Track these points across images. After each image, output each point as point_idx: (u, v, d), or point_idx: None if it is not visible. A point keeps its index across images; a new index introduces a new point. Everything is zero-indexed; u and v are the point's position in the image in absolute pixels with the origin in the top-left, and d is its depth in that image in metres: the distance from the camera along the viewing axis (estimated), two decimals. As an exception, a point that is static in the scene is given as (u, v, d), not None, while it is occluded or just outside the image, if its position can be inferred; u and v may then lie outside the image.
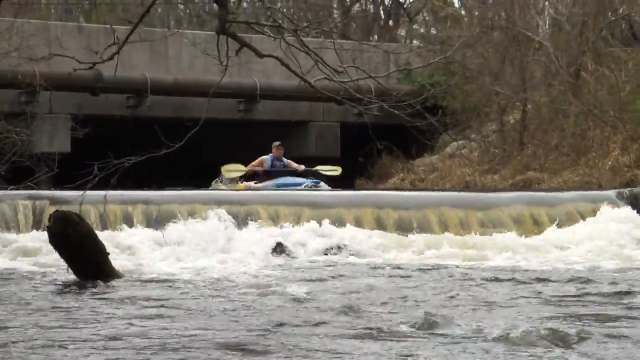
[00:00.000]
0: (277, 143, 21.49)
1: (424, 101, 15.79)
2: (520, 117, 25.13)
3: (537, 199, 16.63)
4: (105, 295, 9.49)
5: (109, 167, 9.43)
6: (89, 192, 10.18)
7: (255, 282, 10.24)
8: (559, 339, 7.13)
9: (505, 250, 13.71)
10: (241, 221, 14.07)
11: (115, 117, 25.06)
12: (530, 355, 6.63)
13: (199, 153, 24.62)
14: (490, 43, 26.52)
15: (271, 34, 10.29)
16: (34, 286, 10.25)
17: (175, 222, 13.82)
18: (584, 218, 15.45)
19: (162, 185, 19.28)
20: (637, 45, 25.85)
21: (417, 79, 27.34)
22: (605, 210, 15.64)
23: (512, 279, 11.00)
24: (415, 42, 35.23)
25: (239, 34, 10.14)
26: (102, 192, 10.80)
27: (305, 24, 18.41)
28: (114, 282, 10.38)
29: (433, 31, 33.77)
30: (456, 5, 32.68)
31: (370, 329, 7.58)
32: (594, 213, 15.64)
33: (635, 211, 15.84)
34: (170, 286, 10.23)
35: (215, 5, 11.06)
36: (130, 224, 13.81)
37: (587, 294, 9.85)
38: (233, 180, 20.98)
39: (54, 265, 11.48)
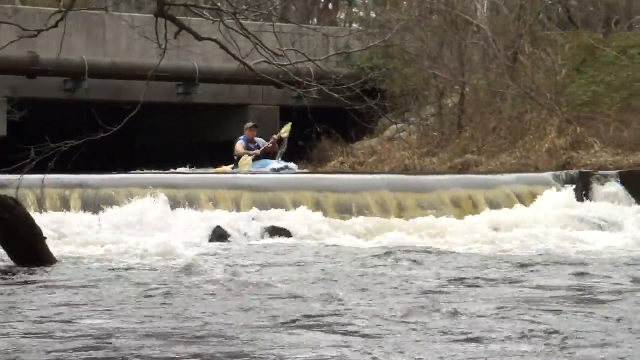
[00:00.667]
0: (249, 124, 21.15)
1: (363, 84, 15.82)
2: (458, 100, 25.28)
3: (475, 182, 16.78)
4: (41, 281, 9.40)
5: (45, 151, 9.35)
6: (25, 176, 10.08)
7: (193, 267, 10.20)
8: (501, 322, 7.22)
9: (443, 232, 13.82)
10: (180, 204, 14.00)
11: (52, 100, 24.81)
12: (468, 340, 6.70)
13: (137, 136, 24.45)
14: (428, 26, 26.63)
15: (210, 17, 10.26)
16: (-32, 272, 10.14)
17: (113, 205, 13.71)
18: (521, 200, 15.62)
19: (101, 168, 19.12)
20: (573, 28, 26.13)
21: (356, 62, 27.39)
22: (541, 192, 15.83)
23: (450, 261, 11.10)
24: (354, 25, 35.28)
25: (177, 17, 10.11)
26: (40, 176, 10.70)
27: (244, 7, 18.33)
28: (50, 267, 10.29)
29: (372, 14, 33.86)
30: (395, -12, 32.75)
31: (309, 316, 7.60)
32: (530, 195, 15.82)
33: (570, 193, 16.05)
34: (106, 270, 10.16)
35: (153, -13, 11.00)
36: (68, 208, 13.69)
37: (522, 275, 9.98)
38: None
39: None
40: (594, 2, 27.58)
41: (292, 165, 20.75)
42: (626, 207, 15.95)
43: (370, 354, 6.18)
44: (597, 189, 16.60)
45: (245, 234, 13.40)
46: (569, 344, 6.50)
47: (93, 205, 13.76)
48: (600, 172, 17.53)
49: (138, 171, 21.12)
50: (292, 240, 13.25)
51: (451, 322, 7.16)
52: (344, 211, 14.71)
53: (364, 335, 6.75)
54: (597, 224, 14.71)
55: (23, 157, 9.39)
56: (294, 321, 7.24)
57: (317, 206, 14.69)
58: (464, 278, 9.69)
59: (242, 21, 10.12)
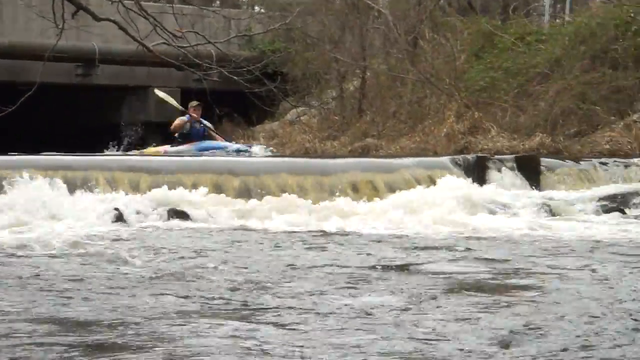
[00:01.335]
0: (194, 103, 19.78)
1: (264, 67, 15.83)
2: (359, 84, 25.44)
3: (375, 165, 16.91)
4: None
5: None
6: None
7: (90, 251, 10.11)
8: (395, 305, 7.31)
9: (342, 215, 13.90)
10: (77, 187, 13.83)
11: (-54, 81, 24.33)
12: (354, 327, 6.77)
13: (36, 118, 24.10)
14: (330, 10, 26.73)
15: (109, -2, 10.16)
16: None
17: (4, 188, 13.46)
18: (419, 184, 15.79)
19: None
20: (472, 14, 26.46)
21: (258, 45, 27.39)
22: (439, 176, 16.03)
23: (350, 245, 11.18)
24: (256, 8, 35.20)
25: (75, -3, 9.98)
26: None
27: (144, -12, 18.17)
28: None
29: (274, -3, 33.78)
30: (297, -28, 32.74)
31: (208, 299, 7.61)
32: (429, 179, 15.99)
33: (468, 177, 16.29)
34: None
35: (50, -34, 10.83)
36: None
37: (419, 259, 10.11)
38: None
39: None
40: (493, -11, 27.96)
41: (256, 148, 19.25)
42: (522, 192, 16.25)
43: (272, 340, 6.21)
44: (494, 173, 16.89)
45: (144, 218, 13.30)
46: (466, 328, 6.63)
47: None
48: (496, 156, 17.82)
49: (36, 153, 20.82)
50: (192, 224, 13.20)
51: (357, 306, 7.24)
52: (244, 194, 14.70)
53: (267, 323, 6.78)
54: (493, 208, 14.94)
55: None
56: (195, 308, 7.24)
57: (217, 189, 14.66)
58: (364, 261, 9.79)
59: (141, 2, 10.04)
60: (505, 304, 7.48)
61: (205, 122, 19.44)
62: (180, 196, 14.09)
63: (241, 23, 25.58)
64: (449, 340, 6.24)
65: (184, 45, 10.30)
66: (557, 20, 27.18)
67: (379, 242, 11.53)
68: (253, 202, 14.37)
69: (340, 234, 12.27)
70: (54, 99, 25.74)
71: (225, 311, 7.06)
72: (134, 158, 16.94)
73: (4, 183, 13.56)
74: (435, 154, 20.19)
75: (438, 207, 14.51)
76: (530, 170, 17.13)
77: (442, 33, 24.77)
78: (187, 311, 7.01)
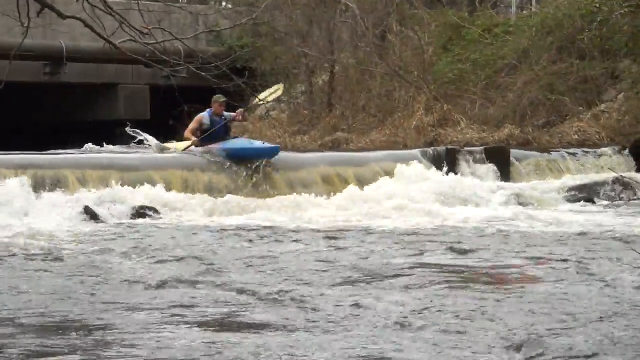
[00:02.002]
0: (222, 99, 17.16)
1: (232, 63, 15.79)
2: (328, 79, 25.44)
3: (345, 159, 16.94)
4: None
5: None
6: None
7: (61, 248, 10.08)
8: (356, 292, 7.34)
9: (313, 209, 13.93)
10: (47, 186, 13.75)
11: None
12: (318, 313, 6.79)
13: (3, 117, 23.96)
14: (297, 5, 26.69)
15: (74, -5, 10.09)
16: None
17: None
18: (390, 177, 15.83)
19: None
20: (440, 7, 26.51)
21: (226, 41, 27.35)
22: (410, 168, 16.07)
23: (321, 238, 11.20)
24: (223, 3, 35.12)
25: (41, -5, 9.91)
26: None
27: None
28: None
29: (242, -7, 33.72)
30: (264, -33, 32.69)
31: (181, 299, 7.60)
32: (399, 172, 16.03)
33: (438, 169, 16.35)
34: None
35: (15, -35, 10.74)
36: None
37: (389, 249, 10.14)
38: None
39: None
40: (460, -19, 28.01)
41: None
42: (491, 183, 16.33)
43: (236, 330, 6.23)
44: (464, 165, 16.95)
45: (114, 215, 13.26)
46: (433, 318, 6.66)
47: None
48: (466, 148, 17.89)
49: (4, 152, 20.68)
50: (162, 220, 13.18)
51: (325, 297, 7.26)
52: (214, 191, 14.69)
53: (232, 314, 6.80)
54: (463, 199, 15.01)
55: None
56: (167, 305, 7.23)
57: (186, 185, 14.63)
58: (334, 254, 9.81)
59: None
60: (470, 290, 7.52)
61: (227, 114, 17.00)
62: (150, 193, 14.04)
63: (209, 19, 25.53)
64: (411, 329, 6.28)
65: (151, 42, 10.24)
66: (524, 12, 27.27)
67: (349, 234, 11.55)
68: (223, 198, 14.35)
69: (310, 229, 12.29)
70: (21, 98, 25.60)
71: (198, 305, 7.07)
72: (103, 155, 16.82)
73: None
74: (406, 147, 20.23)
75: (408, 199, 14.55)
76: (500, 162, 17.21)
77: (410, 26, 24.80)
78: (163, 308, 7.00)
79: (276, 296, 7.38)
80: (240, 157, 15.44)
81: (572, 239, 11.03)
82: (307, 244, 10.65)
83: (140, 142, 17.35)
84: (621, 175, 15.29)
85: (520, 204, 14.92)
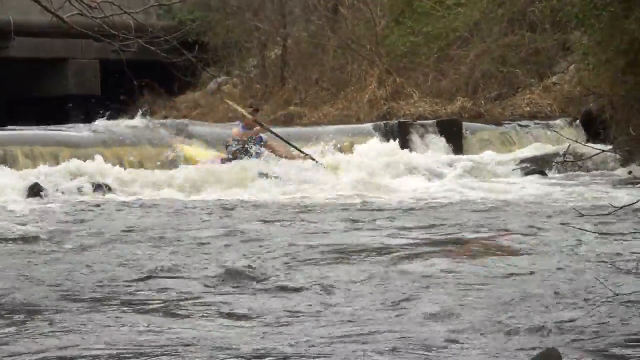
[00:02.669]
0: (251, 110, 15.32)
1: (183, 37, 15.58)
2: (280, 52, 25.33)
3: (298, 134, 16.80)
4: None
5: None
6: None
7: (9, 226, 9.95)
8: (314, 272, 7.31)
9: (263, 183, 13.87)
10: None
11: None
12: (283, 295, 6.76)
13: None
14: (249, -22, 26.53)
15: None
16: None
17: None
18: (342, 151, 15.78)
19: None
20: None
21: (177, 15, 27.12)
22: (362, 142, 16.04)
23: (273, 212, 11.17)
24: (175, -23, 34.82)
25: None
26: None
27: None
28: None
29: (193, -34, 33.44)
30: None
31: (131, 280, 7.53)
32: (351, 146, 16.00)
33: (390, 143, 16.33)
34: None
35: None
36: None
37: (344, 222, 10.12)
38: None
39: None
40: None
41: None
42: (443, 155, 16.35)
43: (185, 314, 6.19)
44: (416, 138, 16.96)
45: (64, 191, 13.09)
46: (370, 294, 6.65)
47: None
48: (419, 121, 17.90)
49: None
50: (113, 196, 13.04)
51: (280, 274, 7.23)
52: (165, 165, 14.58)
53: (183, 293, 6.75)
54: (416, 172, 15.00)
55: None
56: (119, 286, 7.16)
57: (139, 161, 14.52)
58: (283, 226, 9.79)
59: (54, -28, 9.83)
60: (429, 262, 7.51)
61: (264, 136, 14.96)
62: (100, 169, 13.89)
63: (159, -8, 25.27)
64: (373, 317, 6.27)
65: (99, 16, 10.09)
66: (476, -16, 27.31)
67: (305, 207, 11.53)
68: (173, 171, 14.21)
69: (264, 204, 12.24)
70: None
71: (148, 285, 7.01)
72: (53, 132, 16.62)
73: None
74: (358, 121, 20.21)
75: (362, 171, 14.51)
76: (452, 134, 17.24)
77: (362, -1, 24.78)
78: (113, 289, 6.93)
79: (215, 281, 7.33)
80: None
81: (524, 210, 11.07)
82: (265, 217, 10.60)
83: None
84: (571, 146, 15.33)
85: (472, 176, 14.95)
